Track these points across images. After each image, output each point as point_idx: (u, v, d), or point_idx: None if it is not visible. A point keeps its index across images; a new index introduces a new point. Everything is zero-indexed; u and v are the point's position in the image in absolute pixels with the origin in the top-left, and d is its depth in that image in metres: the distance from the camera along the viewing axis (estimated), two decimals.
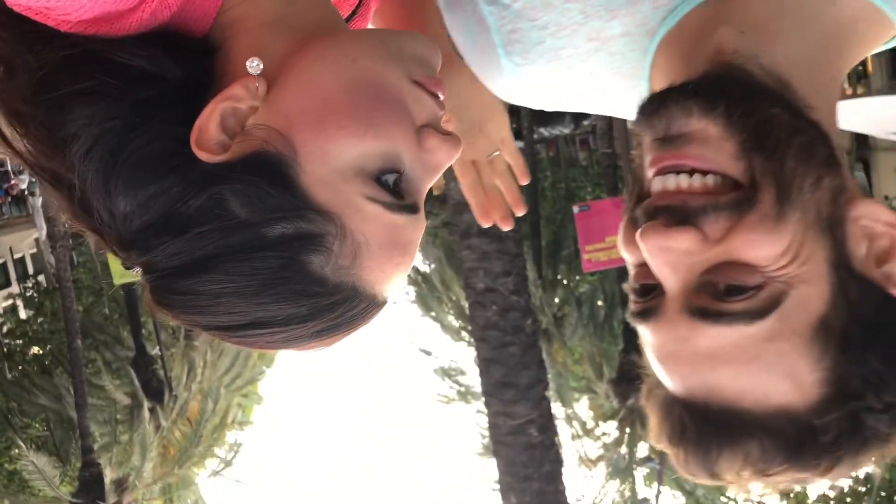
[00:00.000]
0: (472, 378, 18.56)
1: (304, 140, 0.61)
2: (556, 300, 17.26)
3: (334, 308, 0.63)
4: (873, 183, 23.00)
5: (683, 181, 0.62)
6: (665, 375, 0.64)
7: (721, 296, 0.60)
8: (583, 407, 17.02)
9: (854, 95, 12.54)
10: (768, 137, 0.60)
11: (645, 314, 0.64)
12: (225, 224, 0.60)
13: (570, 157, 25.42)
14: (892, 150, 21.38)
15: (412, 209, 0.64)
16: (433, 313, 19.72)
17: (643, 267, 0.64)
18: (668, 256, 0.60)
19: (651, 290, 0.64)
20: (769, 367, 0.59)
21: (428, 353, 19.87)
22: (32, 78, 0.61)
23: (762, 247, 0.58)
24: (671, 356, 0.63)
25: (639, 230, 0.61)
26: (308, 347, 0.67)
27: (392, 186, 0.63)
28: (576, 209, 9.02)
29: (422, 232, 0.66)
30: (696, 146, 0.61)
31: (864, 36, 0.70)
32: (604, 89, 0.85)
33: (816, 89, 0.65)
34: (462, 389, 19.08)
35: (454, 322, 18.89)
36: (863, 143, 16.91)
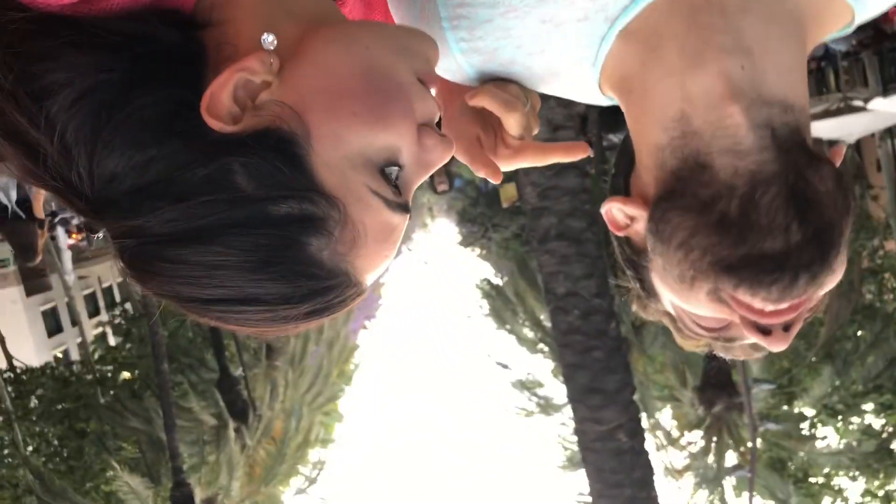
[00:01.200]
0: (551, 389, 18.37)
1: (317, 121, 0.61)
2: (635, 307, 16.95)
3: (327, 292, 0.63)
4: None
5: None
6: None
7: None
8: (666, 416, 16.62)
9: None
10: None
11: (731, 339, 0.78)
12: (231, 196, 0.59)
13: None
14: None
15: (406, 208, 0.65)
16: (508, 326, 19.60)
17: (718, 328, 0.76)
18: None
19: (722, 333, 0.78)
20: None
21: (505, 367, 19.73)
22: (14, 24, 0.57)
23: None
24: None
25: (767, 335, 0.69)
26: (286, 329, 0.66)
27: (394, 181, 0.64)
28: None
29: (403, 227, 0.67)
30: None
31: (828, 21, 0.71)
32: (555, 70, 0.82)
33: (799, 87, 0.67)
34: (541, 402, 18.88)
35: (529, 334, 18.74)
36: None
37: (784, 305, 0.65)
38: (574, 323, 6.21)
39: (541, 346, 18.03)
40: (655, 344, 16.04)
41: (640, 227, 0.77)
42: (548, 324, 16.22)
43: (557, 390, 17.68)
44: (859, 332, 14.08)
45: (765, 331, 0.68)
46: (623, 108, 0.79)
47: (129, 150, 0.58)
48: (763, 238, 0.63)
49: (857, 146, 17.56)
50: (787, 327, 0.69)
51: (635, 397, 6.71)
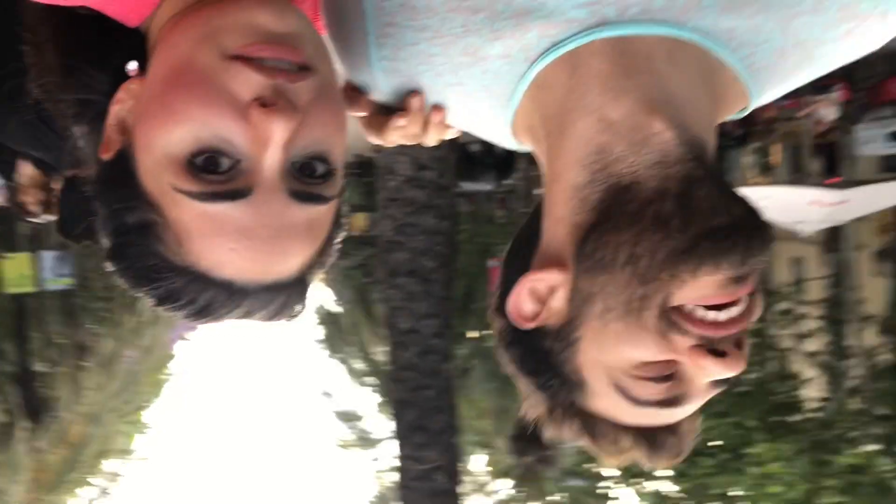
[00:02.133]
0: (371, 423, 18.28)
1: (137, 132, 0.66)
2: (464, 352, 17.28)
3: (185, 292, 0.66)
4: (769, 269, 24.22)
5: (737, 310, 0.68)
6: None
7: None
8: (479, 462, 16.96)
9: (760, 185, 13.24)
10: None
11: (675, 400, 0.71)
12: (103, 214, 0.69)
13: (487, 214, 25.79)
14: (788, 241, 22.69)
15: (233, 195, 0.63)
16: (340, 355, 19.43)
17: (662, 364, 0.69)
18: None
19: (671, 379, 0.70)
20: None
21: (329, 396, 19.48)
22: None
23: None
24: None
25: (722, 356, 0.67)
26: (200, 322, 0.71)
27: (212, 168, 0.63)
28: (493, 263, 9.13)
29: (269, 214, 0.64)
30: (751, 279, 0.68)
31: (727, 108, 0.77)
32: (469, 105, 0.83)
33: (710, 146, 0.71)
34: (361, 435, 18.75)
35: (359, 365, 18.65)
36: None
37: (743, 272, 0.65)
38: (411, 360, 6.26)
39: (368, 378, 17.96)
40: (478, 390, 16.40)
41: (560, 296, 0.72)
42: (379, 357, 16.21)
43: (378, 425, 17.62)
44: None
45: (719, 354, 0.67)
46: (537, 153, 0.80)
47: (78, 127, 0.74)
48: (708, 218, 0.64)
49: None
50: (738, 345, 0.68)
51: (457, 440, 6.82)
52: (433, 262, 5.91)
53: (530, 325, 0.75)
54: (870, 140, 17.86)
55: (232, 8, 0.66)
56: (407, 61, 0.81)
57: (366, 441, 18.39)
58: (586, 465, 15.17)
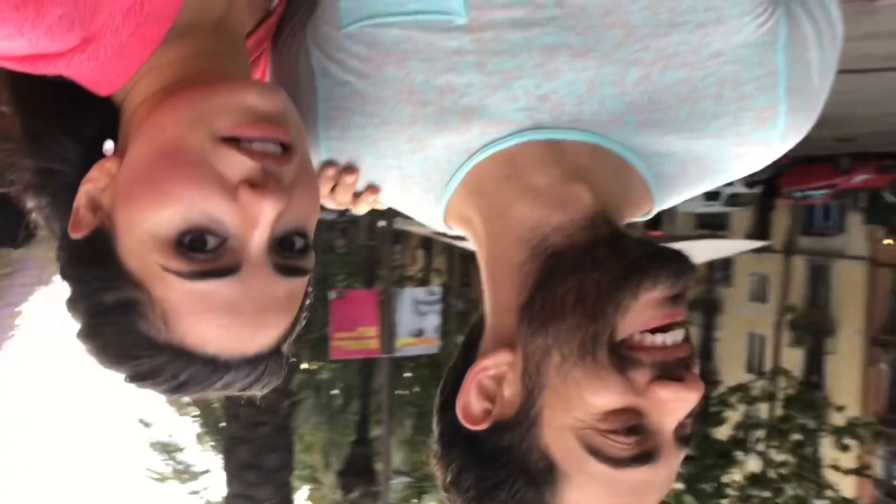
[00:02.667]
0: (190, 455, 17.48)
1: (119, 214, 0.66)
2: (294, 384, 16.95)
3: (166, 368, 0.67)
4: None
5: (679, 336, 0.70)
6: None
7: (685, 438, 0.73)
8: (302, 497, 16.62)
9: None
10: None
11: (649, 456, 0.68)
12: (78, 293, 0.69)
13: (328, 243, 25.64)
14: None
15: (222, 272, 0.64)
16: None
17: (623, 411, 0.68)
18: (687, 406, 0.68)
19: (640, 431, 0.68)
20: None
21: (147, 425, 18.44)
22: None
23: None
24: (652, 485, 0.71)
25: (663, 385, 0.67)
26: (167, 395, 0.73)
27: (198, 248, 0.63)
28: (333, 294, 9.08)
29: (256, 289, 0.65)
30: (683, 303, 0.71)
31: (635, 209, 0.85)
32: (406, 187, 0.87)
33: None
34: (179, 467, 17.83)
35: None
36: None
37: (677, 290, 0.69)
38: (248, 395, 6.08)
39: (191, 408, 17.18)
40: (308, 424, 16.13)
41: (511, 380, 0.72)
42: None
43: (199, 458, 16.87)
44: None
45: (677, 379, 0.68)
46: (471, 238, 0.84)
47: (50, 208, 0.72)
48: (638, 250, 0.70)
49: None
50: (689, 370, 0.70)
51: (290, 478, 6.66)
52: None
53: (484, 426, 0.73)
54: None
55: (221, 90, 0.67)
56: (352, 143, 0.85)
57: (184, 474, 17.53)
58: (414, 502, 15.27)
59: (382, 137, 0.83)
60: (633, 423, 0.68)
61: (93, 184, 0.68)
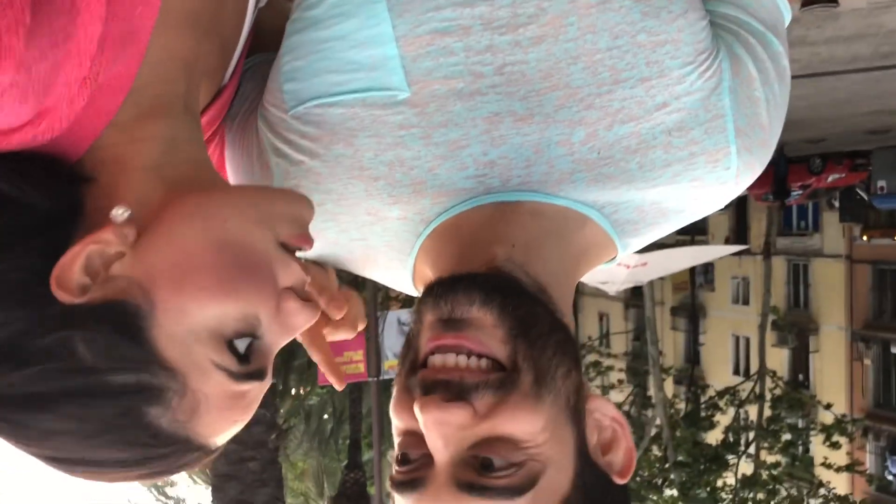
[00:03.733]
0: (183, 490, 17.29)
1: (164, 296, 0.62)
2: (283, 411, 16.85)
3: (165, 458, 0.64)
4: (579, 324, 25.67)
5: (462, 361, 0.68)
6: None
7: (485, 471, 0.65)
8: None
9: None
10: (532, 329, 0.69)
11: (413, 484, 0.67)
12: (68, 366, 0.60)
13: None
14: (596, 297, 24.25)
15: (259, 375, 0.65)
16: None
17: (410, 436, 0.69)
18: (443, 430, 0.65)
19: (412, 465, 0.68)
20: None
21: None
22: None
23: (523, 423, 0.65)
24: None
25: (417, 402, 0.65)
26: (132, 482, 0.68)
27: (244, 352, 0.64)
28: None
29: (265, 390, 0.68)
30: (473, 330, 0.68)
31: (597, 256, 0.86)
32: (372, 256, 0.88)
33: (563, 298, 0.76)
34: (170, 503, 17.62)
35: None
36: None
37: (442, 314, 0.69)
38: None
39: None
40: (298, 451, 16.01)
41: None
42: None
43: (190, 492, 16.68)
44: None
45: (425, 393, 0.67)
46: None
47: None
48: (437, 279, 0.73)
49: None
50: (434, 389, 0.67)
51: None
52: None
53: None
54: None
55: (280, 196, 0.71)
56: (315, 219, 0.83)
57: None
58: None
59: (341, 212, 0.84)
60: (404, 451, 0.69)
61: (102, 247, 0.61)
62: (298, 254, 0.73)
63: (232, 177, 0.92)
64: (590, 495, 0.68)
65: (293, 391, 17.34)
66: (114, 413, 0.61)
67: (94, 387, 0.60)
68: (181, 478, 17.20)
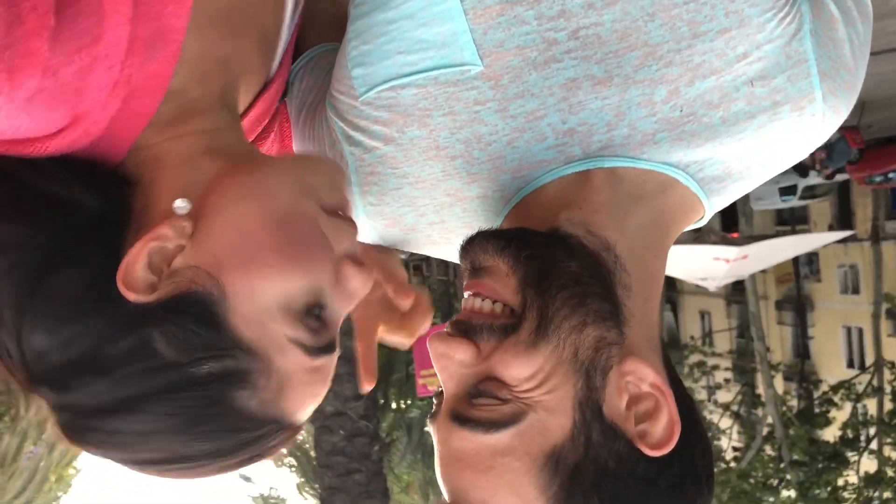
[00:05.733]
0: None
1: (232, 279, 0.62)
2: (385, 425, 17.04)
3: (258, 441, 0.65)
4: (680, 323, 25.02)
5: (477, 303, 0.71)
6: (438, 479, 0.70)
7: (473, 405, 0.67)
8: None
9: None
10: (546, 280, 0.68)
11: (432, 416, 0.71)
12: (152, 365, 0.60)
13: None
14: (696, 294, 23.59)
15: (330, 348, 0.66)
16: None
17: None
18: (445, 363, 0.69)
19: (438, 398, 0.72)
20: (500, 480, 0.65)
21: (247, 479, 18.77)
22: None
23: (511, 367, 0.66)
24: (439, 456, 0.69)
25: (428, 338, 0.70)
26: (226, 473, 0.68)
27: (316, 323, 0.65)
28: None
29: (335, 362, 0.68)
30: (488, 278, 0.71)
31: (684, 217, 0.83)
32: (452, 239, 0.87)
33: (643, 262, 0.74)
34: None
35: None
36: (671, 287, 18.50)
37: (467, 264, 0.74)
38: (338, 444, 6.12)
39: (289, 459, 17.43)
40: (402, 463, 16.14)
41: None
42: (300, 437, 15.76)
43: None
44: None
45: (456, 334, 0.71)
46: None
47: (53, 327, 0.60)
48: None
49: None
50: (466, 334, 0.70)
51: None
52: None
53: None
54: (764, 196, 18.91)
55: (321, 164, 0.72)
56: (391, 205, 0.86)
57: None
58: None
59: (419, 195, 0.84)
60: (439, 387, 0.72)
61: (161, 243, 0.62)
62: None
63: None
64: (593, 453, 0.65)
65: (393, 405, 17.55)
66: (203, 403, 0.61)
67: (180, 381, 0.61)
68: (291, 493, 17.58)
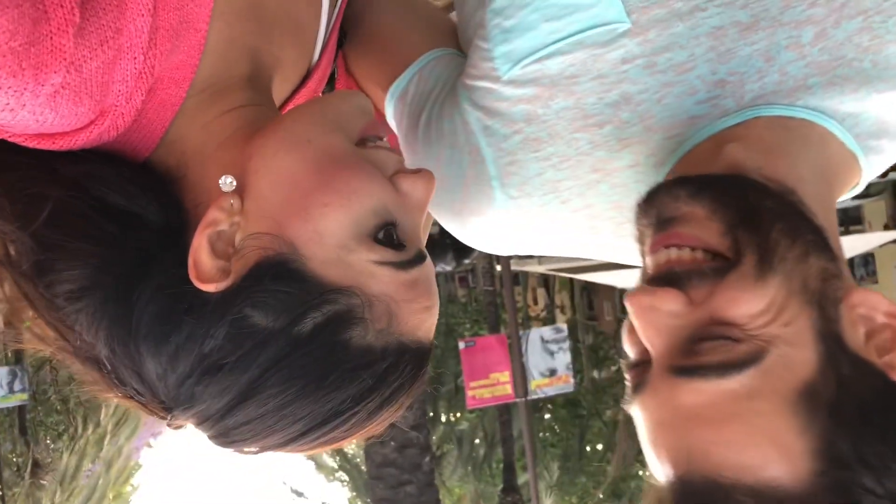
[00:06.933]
0: None
1: (296, 232, 0.62)
2: (435, 438, 17.03)
3: (392, 370, 0.64)
4: None
5: (673, 253, 0.66)
6: (654, 455, 0.63)
7: (699, 353, 0.60)
8: None
9: None
10: (754, 218, 0.64)
11: (635, 389, 0.64)
12: (257, 340, 0.60)
13: (450, 294, 25.86)
14: None
15: (420, 258, 0.66)
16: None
17: (642, 354, 0.66)
18: (653, 316, 0.63)
19: (637, 372, 0.65)
20: (749, 428, 0.58)
21: (300, 494, 18.92)
22: (27, 251, 0.61)
23: (742, 304, 0.60)
24: (658, 425, 0.62)
25: (627, 296, 0.64)
26: (383, 420, 0.67)
27: (394, 240, 0.65)
28: (462, 344, 9.08)
29: (433, 270, 0.68)
30: (685, 225, 0.66)
31: (844, 176, 0.79)
32: (597, 226, 0.86)
33: (818, 211, 0.69)
34: None
35: (329, 461, 18.19)
36: None
37: (651, 217, 0.70)
38: (389, 455, 6.13)
39: (339, 473, 17.52)
40: (454, 476, 16.11)
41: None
42: (349, 450, 15.86)
43: None
44: (642, 472, 14.96)
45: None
46: None
47: (156, 349, 0.61)
48: None
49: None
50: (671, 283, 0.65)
51: None
52: None
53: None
54: None
55: (337, 99, 0.72)
56: (532, 195, 0.84)
57: None
58: None
59: (563, 178, 0.82)
60: (638, 359, 0.67)
61: (215, 227, 0.63)
62: None
63: (435, 171, 0.90)
64: (852, 389, 0.59)
65: (443, 418, 17.54)
66: (321, 355, 0.61)
67: (290, 343, 0.61)
68: None
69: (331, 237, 0.63)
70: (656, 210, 0.69)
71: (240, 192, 0.64)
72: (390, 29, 0.97)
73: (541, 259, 14.59)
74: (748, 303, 0.60)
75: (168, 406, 0.63)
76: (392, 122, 0.95)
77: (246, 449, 0.65)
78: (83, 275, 0.61)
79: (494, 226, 0.88)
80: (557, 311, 21.87)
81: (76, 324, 0.62)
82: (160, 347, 0.61)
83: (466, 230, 0.91)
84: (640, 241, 0.72)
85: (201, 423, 0.64)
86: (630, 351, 0.68)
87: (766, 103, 0.75)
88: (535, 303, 23.86)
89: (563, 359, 9.08)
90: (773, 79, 0.75)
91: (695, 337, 0.61)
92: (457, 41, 0.95)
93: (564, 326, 9.86)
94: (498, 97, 0.81)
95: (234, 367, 0.60)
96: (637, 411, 0.65)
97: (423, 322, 0.66)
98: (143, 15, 0.59)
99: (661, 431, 0.62)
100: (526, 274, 19.95)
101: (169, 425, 0.66)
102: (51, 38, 0.53)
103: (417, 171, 0.68)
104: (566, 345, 9.22)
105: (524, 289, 22.11)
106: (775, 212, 0.65)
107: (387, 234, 0.64)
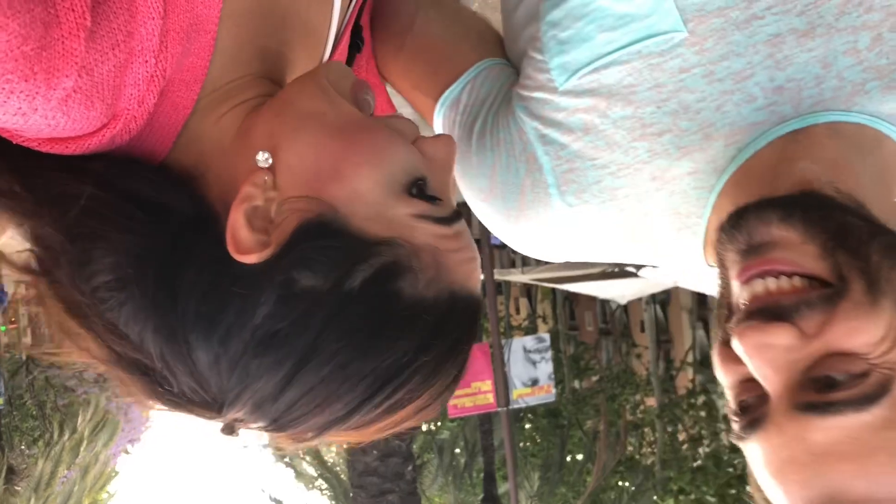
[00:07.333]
0: None
1: (333, 193, 0.63)
2: (415, 447, 16.95)
3: (447, 319, 0.64)
4: (711, 339, 24.69)
5: (772, 284, 0.64)
6: (783, 492, 0.62)
7: (826, 388, 0.59)
8: None
9: None
10: (849, 238, 0.63)
11: (752, 426, 0.63)
12: (307, 301, 0.60)
13: None
14: None
15: (456, 216, 0.67)
16: (286, 459, 18.80)
17: (743, 384, 0.65)
18: (768, 354, 0.61)
19: (749, 409, 0.64)
20: (893, 459, 0.57)
21: (279, 503, 18.76)
22: (63, 250, 0.61)
23: (861, 333, 0.59)
24: (787, 463, 0.61)
25: (735, 334, 0.62)
26: (446, 380, 0.65)
27: (427, 194, 0.65)
28: None
29: (468, 232, 0.68)
30: (780, 251, 0.64)
31: None
32: (655, 234, 0.85)
33: (881, 215, 0.68)
34: None
35: (309, 469, 18.06)
36: (703, 305, 18.30)
37: (740, 244, 0.67)
38: (371, 464, 6.11)
39: (319, 482, 17.40)
40: (434, 486, 16.05)
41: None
42: (329, 458, 15.77)
43: None
44: (621, 483, 14.99)
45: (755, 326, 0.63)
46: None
47: (205, 336, 0.60)
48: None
49: (626, 308, 19.29)
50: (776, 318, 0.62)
51: None
52: None
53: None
54: None
55: (325, 69, 0.71)
56: (590, 202, 0.84)
57: None
58: None
59: (621, 186, 0.82)
60: (739, 400, 0.65)
61: (250, 202, 0.63)
62: None
63: (489, 182, 0.90)
64: None
65: (424, 426, 17.46)
66: (374, 308, 0.61)
67: (340, 300, 0.60)
68: None
69: (368, 194, 0.63)
70: (746, 235, 0.66)
71: (270, 169, 0.65)
72: (440, 40, 0.98)
73: (523, 269, 14.61)
74: (868, 332, 0.59)
75: (220, 400, 0.62)
76: (442, 131, 0.95)
77: (305, 432, 0.64)
78: (123, 262, 0.61)
79: (551, 233, 0.88)
80: (539, 321, 21.92)
81: (121, 324, 0.61)
82: (210, 332, 0.60)
83: (521, 238, 0.91)
84: (723, 265, 0.69)
85: (257, 409, 0.62)
86: (725, 377, 0.66)
87: (824, 109, 0.76)
88: (518, 312, 23.90)
89: (546, 368, 9.09)
90: (832, 84, 0.75)
91: (813, 370, 0.60)
92: (504, 51, 0.96)
93: (547, 336, 9.88)
94: (555, 107, 0.82)
95: (288, 331, 0.60)
96: (756, 448, 0.63)
97: (471, 272, 0.66)
98: (153, 18, 0.59)
99: (792, 469, 0.61)
100: (508, 283, 19.96)
101: (222, 430, 0.64)
102: (62, 42, 0.53)
103: (437, 136, 0.70)
104: (548, 354, 9.23)
105: (507, 298, 22.12)
106: (864, 229, 0.64)
107: (419, 189, 0.65)
